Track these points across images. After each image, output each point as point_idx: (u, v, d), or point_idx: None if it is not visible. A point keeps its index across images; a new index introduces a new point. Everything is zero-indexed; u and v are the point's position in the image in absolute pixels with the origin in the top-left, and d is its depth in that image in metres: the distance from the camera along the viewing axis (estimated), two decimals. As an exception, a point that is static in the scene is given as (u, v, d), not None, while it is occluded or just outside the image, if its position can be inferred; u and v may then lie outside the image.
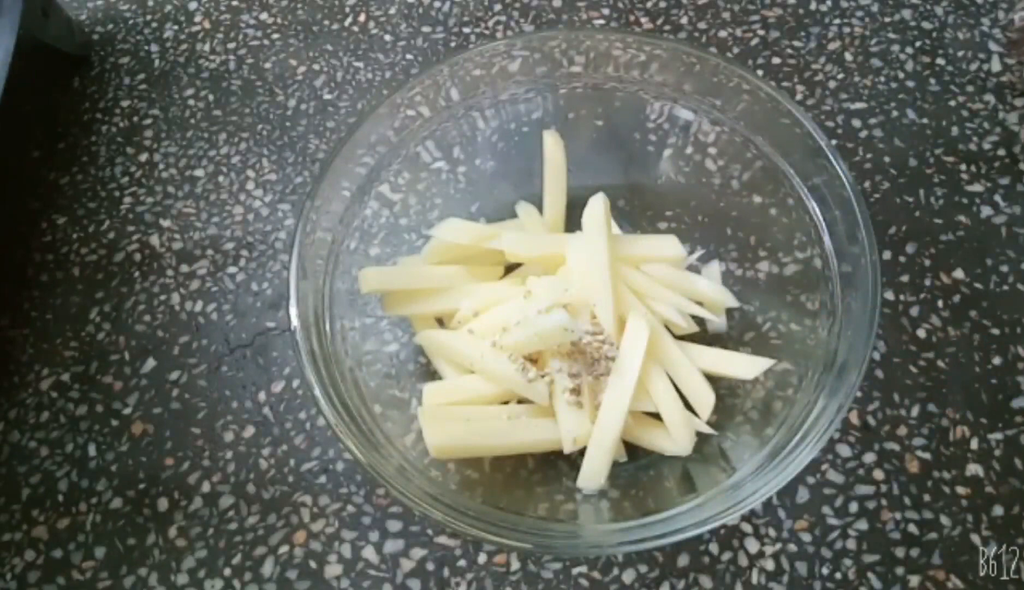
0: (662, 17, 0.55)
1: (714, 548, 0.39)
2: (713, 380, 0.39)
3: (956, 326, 0.44)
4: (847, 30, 0.53)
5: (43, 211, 0.50)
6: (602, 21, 0.55)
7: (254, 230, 0.49)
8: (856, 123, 0.50)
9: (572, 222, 0.42)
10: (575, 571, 0.39)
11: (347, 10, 0.57)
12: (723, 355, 0.39)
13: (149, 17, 0.58)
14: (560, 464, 0.39)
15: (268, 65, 0.55)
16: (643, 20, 0.55)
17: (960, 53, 0.52)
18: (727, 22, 0.54)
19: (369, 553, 0.40)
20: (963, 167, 0.48)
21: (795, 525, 0.39)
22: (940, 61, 0.52)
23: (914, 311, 0.44)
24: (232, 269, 0.48)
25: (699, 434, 0.38)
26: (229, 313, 0.47)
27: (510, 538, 0.32)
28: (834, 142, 0.49)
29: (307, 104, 0.53)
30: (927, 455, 0.41)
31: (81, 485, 0.42)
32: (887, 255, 0.46)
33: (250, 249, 0.48)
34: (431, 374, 0.41)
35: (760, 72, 0.52)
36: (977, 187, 0.47)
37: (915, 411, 0.42)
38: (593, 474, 0.36)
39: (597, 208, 0.40)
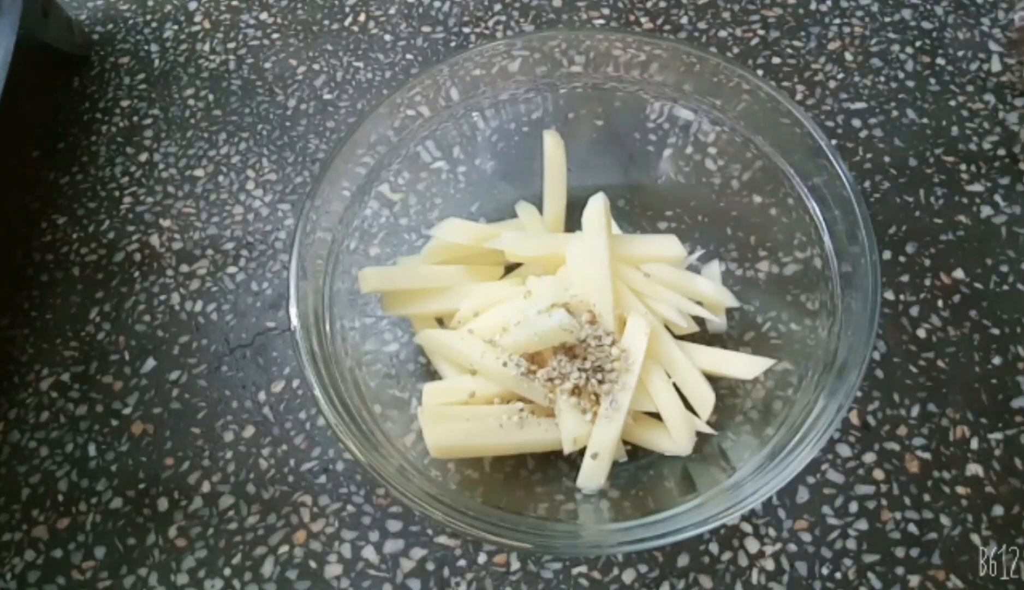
0: (662, 17, 0.55)
1: (714, 548, 0.39)
2: (713, 380, 0.39)
3: (956, 326, 0.44)
4: (847, 30, 0.53)
5: (43, 211, 0.50)
6: (602, 21, 0.55)
7: (254, 230, 0.49)
8: (856, 123, 0.50)
9: (572, 222, 0.42)
10: (575, 571, 0.39)
11: (347, 10, 0.57)
12: (723, 355, 0.39)
13: (149, 17, 0.58)
14: (560, 464, 0.39)
15: (268, 65, 0.55)
16: (643, 20, 0.55)
17: (960, 53, 0.52)
18: (727, 22, 0.54)
19: (369, 553, 0.40)
20: (963, 167, 0.48)
21: (795, 525, 0.39)
22: (940, 61, 0.52)
23: (914, 311, 0.44)
24: (232, 269, 0.48)
25: (699, 434, 0.38)
26: (229, 313, 0.47)
27: (510, 538, 0.32)
28: (834, 142, 0.49)
29: (307, 104, 0.53)
30: (927, 455, 0.41)
31: (81, 485, 0.42)
32: (887, 255, 0.46)
33: (250, 249, 0.48)
34: (431, 374, 0.41)
35: (760, 72, 0.52)
36: (977, 187, 0.47)
37: (915, 411, 0.42)
38: (593, 474, 0.36)
39: (597, 208, 0.40)
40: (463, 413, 0.37)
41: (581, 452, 0.37)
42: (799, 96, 0.51)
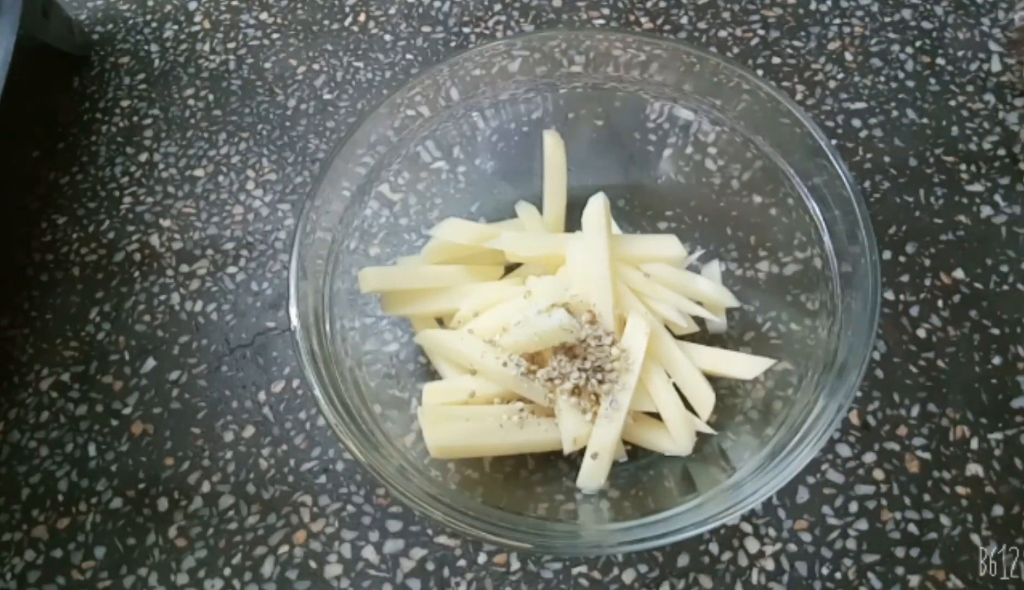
0: (662, 17, 0.55)
1: (714, 548, 0.39)
2: (713, 380, 0.39)
3: (956, 326, 0.44)
4: (847, 30, 0.53)
5: (43, 211, 0.50)
6: (602, 21, 0.55)
7: (254, 230, 0.49)
8: (856, 123, 0.50)
9: (572, 222, 0.42)
10: (575, 571, 0.39)
11: (347, 10, 0.57)
12: (723, 355, 0.39)
13: (149, 17, 0.58)
14: (560, 464, 0.39)
15: (268, 65, 0.55)
16: (643, 20, 0.55)
17: (960, 53, 0.52)
18: (727, 22, 0.54)
19: (369, 553, 0.40)
20: (963, 167, 0.48)
21: (795, 525, 0.39)
22: (940, 61, 0.52)
23: (914, 311, 0.44)
24: (232, 269, 0.48)
25: (699, 434, 0.38)
26: (229, 313, 0.47)
27: (510, 538, 0.32)
28: (834, 142, 0.49)
29: (307, 104, 0.53)
30: (927, 455, 0.41)
31: (81, 485, 0.42)
32: (887, 255, 0.46)
33: (250, 249, 0.48)
34: (431, 374, 0.41)
35: (760, 72, 0.52)
36: (977, 187, 0.47)
37: (915, 411, 0.42)
38: (593, 474, 0.36)
39: (597, 208, 0.40)
40: (463, 413, 0.37)
41: (581, 452, 0.37)
42: (799, 96, 0.51)
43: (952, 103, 0.50)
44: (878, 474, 0.40)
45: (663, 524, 0.32)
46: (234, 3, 0.57)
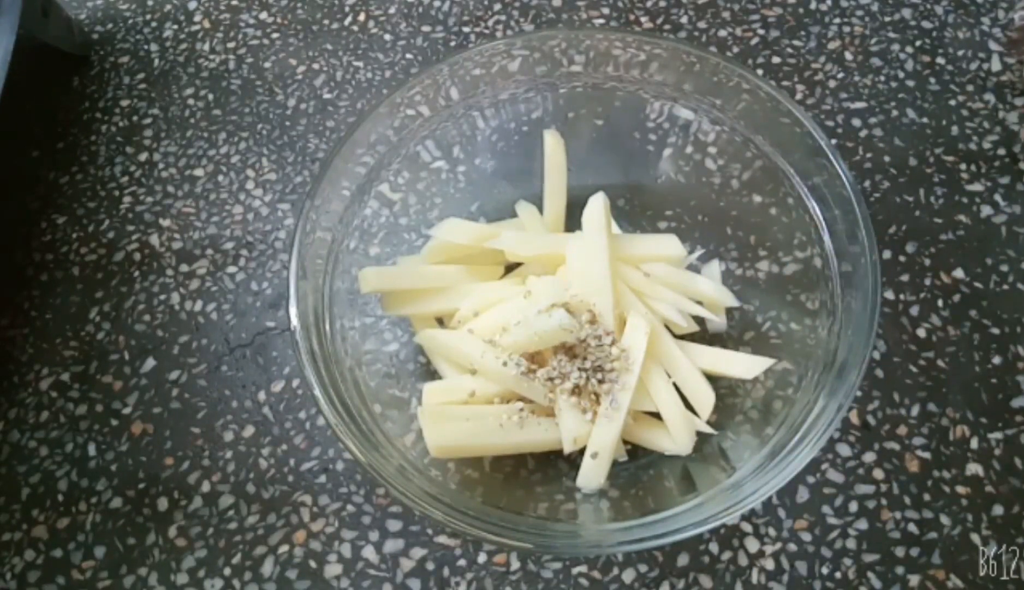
0: (662, 16, 0.55)
1: (714, 548, 0.39)
2: (713, 380, 0.39)
3: (956, 326, 0.44)
4: (847, 29, 0.53)
5: (43, 211, 0.50)
6: (602, 20, 0.55)
7: (254, 230, 0.49)
8: (856, 122, 0.50)
9: (572, 222, 0.42)
10: (575, 571, 0.39)
11: (347, 9, 0.57)
12: (723, 355, 0.39)
13: (149, 17, 0.58)
14: (560, 464, 0.39)
15: (268, 65, 0.55)
16: (643, 20, 0.54)
17: (960, 53, 0.52)
18: (727, 21, 0.54)
19: (369, 553, 0.40)
20: (963, 167, 0.48)
21: (795, 525, 0.39)
22: (940, 61, 0.52)
23: (914, 311, 0.44)
24: (232, 269, 0.48)
25: (699, 434, 0.38)
26: (229, 313, 0.47)
27: (510, 538, 0.32)
28: (834, 141, 0.49)
29: (307, 103, 0.53)
30: (927, 455, 0.41)
31: (81, 485, 0.42)
32: (887, 254, 0.46)
33: (250, 249, 0.48)
34: (431, 374, 0.41)
35: (760, 71, 0.52)
36: (977, 186, 0.47)
37: (915, 411, 0.42)
38: (593, 474, 0.36)
39: (597, 208, 0.40)
40: (463, 413, 0.37)
41: (581, 452, 0.37)
42: (799, 96, 0.51)
43: (952, 103, 0.50)
44: (878, 474, 0.40)
45: (663, 524, 0.32)
46: (234, 3, 0.57)
